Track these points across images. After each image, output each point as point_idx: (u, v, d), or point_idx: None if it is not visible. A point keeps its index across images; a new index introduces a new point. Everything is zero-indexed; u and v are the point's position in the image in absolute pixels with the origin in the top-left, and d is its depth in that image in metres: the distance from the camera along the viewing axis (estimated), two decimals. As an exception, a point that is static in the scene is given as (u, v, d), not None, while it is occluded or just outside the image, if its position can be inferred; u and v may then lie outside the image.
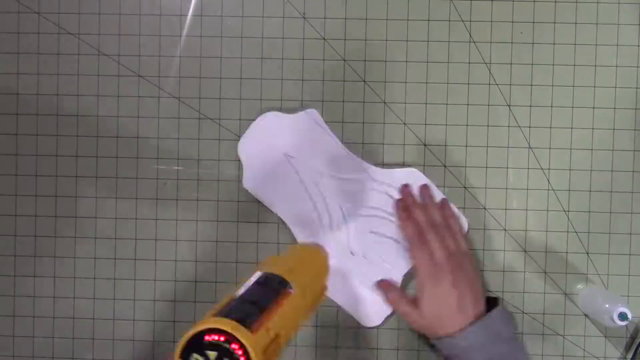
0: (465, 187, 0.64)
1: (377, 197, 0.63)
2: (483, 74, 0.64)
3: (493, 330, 0.55)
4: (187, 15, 0.65)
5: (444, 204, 0.63)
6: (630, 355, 0.64)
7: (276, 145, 0.64)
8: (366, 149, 0.65)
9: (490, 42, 0.64)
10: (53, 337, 0.66)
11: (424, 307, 0.57)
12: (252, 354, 0.39)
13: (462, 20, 0.64)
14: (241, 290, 0.46)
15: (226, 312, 0.42)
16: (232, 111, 0.65)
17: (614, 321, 0.57)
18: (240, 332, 0.39)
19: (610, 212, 0.64)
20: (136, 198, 0.66)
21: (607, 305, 0.58)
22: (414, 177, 0.64)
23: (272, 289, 0.46)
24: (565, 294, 0.64)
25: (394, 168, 0.64)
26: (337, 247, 0.63)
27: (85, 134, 0.66)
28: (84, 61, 0.66)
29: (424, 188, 0.63)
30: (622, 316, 0.56)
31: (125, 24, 0.65)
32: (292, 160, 0.63)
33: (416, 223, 0.60)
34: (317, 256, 0.59)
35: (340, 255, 0.63)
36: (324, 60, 0.65)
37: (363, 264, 0.63)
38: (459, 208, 0.64)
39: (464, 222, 0.63)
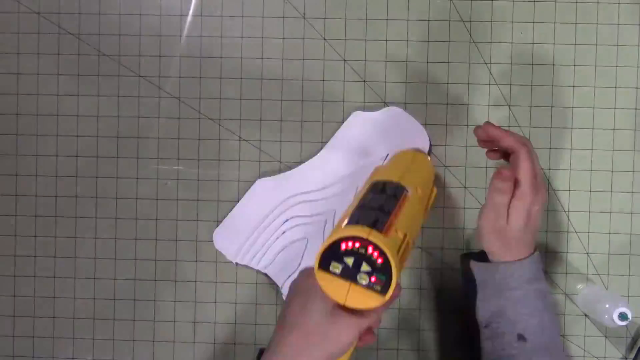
0: (465, 187, 0.64)
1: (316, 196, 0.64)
2: (483, 74, 0.64)
3: (540, 267, 0.55)
4: (187, 15, 0.65)
5: None
6: (632, 356, 0.64)
7: None
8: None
9: (490, 42, 0.64)
10: (53, 337, 0.66)
11: (515, 218, 0.53)
12: (388, 254, 0.41)
13: (462, 20, 0.64)
14: (362, 201, 0.47)
15: (356, 220, 0.44)
16: (232, 111, 0.65)
17: (614, 321, 0.57)
18: (374, 236, 0.41)
19: (610, 212, 0.64)
20: (136, 198, 0.66)
21: (607, 305, 0.58)
22: (395, 114, 0.63)
23: (390, 194, 0.48)
24: (565, 294, 0.64)
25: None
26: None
27: (85, 134, 0.66)
28: (84, 61, 0.66)
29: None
30: (622, 316, 0.56)
31: (125, 24, 0.65)
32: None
33: (514, 136, 0.55)
34: (419, 158, 0.60)
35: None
36: (324, 60, 0.65)
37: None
38: (459, 208, 0.64)
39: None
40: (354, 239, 0.42)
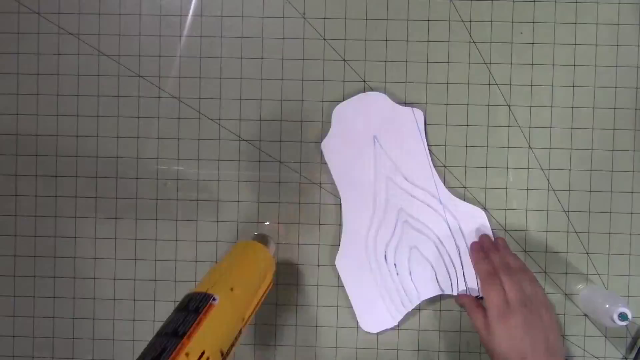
0: (465, 187, 0.64)
1: (434, 218, 0.63)
2: (483, 74, 0.64)
3: None
4: (187, 15, 0.65)
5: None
6: (632, 356, 0.64)
7: (370, 123, 0.63)
8: (366, 149, 0.65)
9: (490, 42, 0.64)
10: (53, 337, 0.66)
11: (495, 340, 0.54)
12: None
13: (462, 20, 0.64)
14: (161, 327, 0.45)
15: (142, 356, 0.42)
16: (232, 111, 0.65)
17: (614, 321, 0.57)
18: None
19: (610, 212, 0.64)
20: (136, 198, 0.66)
21: (607, 306, 0.58)
22: (477, 217, 0.63)
23: (192, 308, 0.45)
24: (565, 294, 0.64)
25: (462, 200, 0.64)
26: (374, 246, 0.63)
27: (85, 134, 0.66)
28: (84, 61, 0.66)
29: (501, 239, 0.63)
30: (622, 316, 0.56)
31: (125, 24, 0.65)
32: (376, 145, 0.63)
33: (491, 263, 0.59)
34: (256, 253, 0.57)
35: (373, 255, 0.63)
36: (324, 60, 0.65)
37: (391, 272, 0.63)
38: (459, 208, 0.64)
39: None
40: None
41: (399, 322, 0.64)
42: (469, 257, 0.62)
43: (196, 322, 0.44)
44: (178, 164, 0.65)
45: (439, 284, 0.63)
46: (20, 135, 0.66)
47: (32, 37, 0.66)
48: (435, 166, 0.64)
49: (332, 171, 0.64)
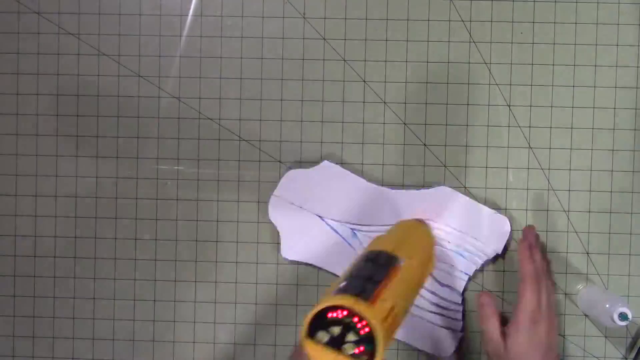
0: (465, 187, 0.64)
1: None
2: (483, 74, 0.64)
3: None
4: (187, 15, 0.65)
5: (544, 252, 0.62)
6: (632, 356, 0.64)
7: (307, 207, 0.63)
8: (365, 148, 0.65)
9: (490, 42, 0.64)
10: (53, 337, 0.66)
11: (511, 345, 0.55)
12: (373, 324, 0.41)
13: (462, 20, 0.64)
14: (352, 270, 0.48)
15: (344, 289, 0.44)
16: (232, 111, 0.65)
17: (614, 321, 0.57)
18: (359, 306, 0.42)
19: (610, 212, 0.64)
20: (136, 198, 0.66)
21: (607, 306, 0.58)
22: (446, 194, 0.63)
23: (382, 263, 0.48)
24: (565, 294, 0.64)
25: (420, 189, 0.64)
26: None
27: (85, 134, 0.66)
28: (84, 61, 0.66)
29: (539, 237, 0.62)
30: (623, 316, 0.56)
31: (125, 24, 0.65)
32: (325, 220, 0.63)
33: (536, 264, 0.58)
34: (419, 228, 0.60)
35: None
36: (324, 60, 0.65)
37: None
38: (459, 208, 0.64)
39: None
40: (340, 308, 0.42)
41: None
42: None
43: (388, 275, 0.47)
44: (178, 164, 0.65)
45: None
46: (20, 135, 0.66)
47: (32, 37, 0.66)
48: (428, 165, 0.64)
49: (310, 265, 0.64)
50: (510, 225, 0.63)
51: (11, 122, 0.66)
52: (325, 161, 0.64)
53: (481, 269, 0.63)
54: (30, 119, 0.66)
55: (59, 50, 0.66)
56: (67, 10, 0.66)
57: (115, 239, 0.66)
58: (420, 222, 0.61)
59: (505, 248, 0.63)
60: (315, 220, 0.63)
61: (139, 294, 0.66)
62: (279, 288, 0.65)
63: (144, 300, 0.66)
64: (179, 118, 0.65)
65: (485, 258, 0.62)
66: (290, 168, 0.64)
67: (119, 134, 0.66)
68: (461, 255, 0.62)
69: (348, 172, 0.63)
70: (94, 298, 0.66)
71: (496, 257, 0.63)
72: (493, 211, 0.63)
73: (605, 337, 0.64)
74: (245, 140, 0.65)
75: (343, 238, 0.63)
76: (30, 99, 0.66)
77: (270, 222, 0.64)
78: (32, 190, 0.66)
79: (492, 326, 0.56)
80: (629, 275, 0.64)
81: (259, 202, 0.65)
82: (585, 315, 0.64)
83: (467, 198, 0.63)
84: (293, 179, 0.63)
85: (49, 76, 0.66)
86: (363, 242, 0.62)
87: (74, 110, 0.66)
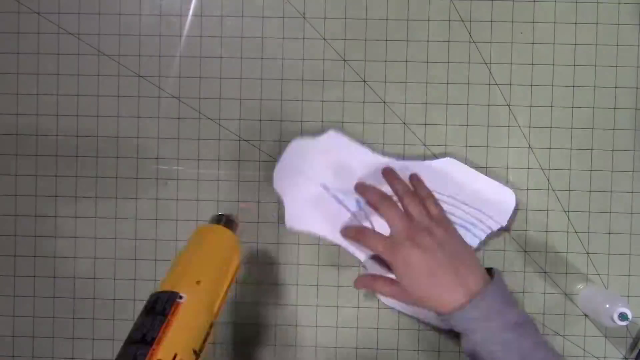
0: (465, 187, 0.64)
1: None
2: (483, 74, 0.64)
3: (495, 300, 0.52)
4: (187, 15, 0.65)
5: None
6: (633, 356, 0.64)
7: (311, 177, 0.63)
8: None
9: (490, 42, 0.64)
10: (53, 337, 0.66)
11: (405, 280, 0.54)
12: None
13: (462, 20, 0.64)
14: (129, 334, 0.44)
15: None
16: (232, 111, 0.65)
17: (614, 321, 0.57)
18: None
19: (610, 212, 0.64)
20: (136, 198, 0.66)
21: (607, 305, 0.58)
22: (452, 166, 0.63)
23: (159, 310, 0.44)
24: (565, 294, 0.64)
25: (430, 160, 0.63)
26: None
27: (85, 134, 0.66)
28: (84, 61, 0.66)
29: (415, 178, 0.61)
30: (623, 316, 0.56)
31: (125, 24, 0.65)
32: (330, 191, 0.63)
33: (374, 190, 0.58)
34: (219, 237, 0.53)
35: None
36: (324, 60, 0.65)
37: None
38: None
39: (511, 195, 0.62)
40: None
41: (399, 320, 0.64)
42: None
43: (164, 325, 0.42)
44: (178, 164, 0.65)
45: None
46: (20, 135, 0.66)
47: (32, 37, 0.66)
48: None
49: (313, 234, 0.64)
50: (516, 198, 0.63)
51: (11, 122, 0.66)
52: (331, 130, 0.63)
53: (485, 242, 0.63)
54: (30, 119, 0.66)
55: (59, 50, 0.66)
56: (67, 10, 0.66)
57: (115, 239, 0.66)
58: (210, 228, 0.54)
59: (510, 222, 0.63)
60: (319, 191, 0.63)
61: (139, 294, 0.66)
62: (279, 288, 0.65)
63: (144, 300, 0.65)
64: (179, 118, 0.65)
65: (489, 231, 0.62)
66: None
67: (119, 134, 0.66)
68: (465, 228, 0.62)
69: (353, 143, 0.63)
70: (94, 298, 0.66)
71: (500, 230, 0.63)
72: (498, 183, 0.63)
73: (605, 337, 0.64)
74: (245, 140, 0.65)
75: (347, 209, 0.62)
76: (30, 98, 0.66)
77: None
78: (31, 191, 0.66)
79: (380, 284, 0.57)
80: (629, 275, 0.64)
81: (259, 202, 0.65)
82: (585, 315, 0.64)
83: (473, 170, 0.63)
84: (298, 148, 0.63)
85: (49, 76, 0.66)
86: (367, 214, 0.62)
87: (74, 110, 0.66)
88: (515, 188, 0.64)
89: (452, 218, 0.61)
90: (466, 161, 0.64)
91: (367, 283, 0.59)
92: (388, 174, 0.60)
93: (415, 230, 0.54)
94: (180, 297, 0.44)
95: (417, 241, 0.53)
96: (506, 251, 0.64)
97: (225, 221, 0.55)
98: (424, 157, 0.64)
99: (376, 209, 0.58)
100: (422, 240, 0.53)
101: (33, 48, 0.66)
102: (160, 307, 0.44)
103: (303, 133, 0.64)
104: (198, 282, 0.46)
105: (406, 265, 0.53)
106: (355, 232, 0.59)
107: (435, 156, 0.64)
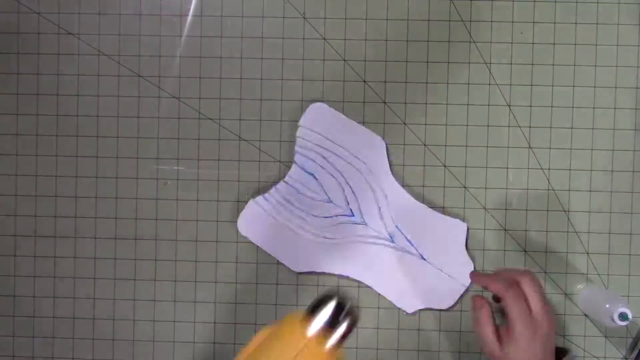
0: (465, 187, 0.64)
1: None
2: (483, 74, 0.64)
3: None
4: (187, 15, 0.65)
5: None
6: (633, 356, 0.64)
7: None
8: (366, 149, 0.65)
9: (490, 42, 0.64)
10: (53, 337, 0.66)
11: (508, 351, 0.52)
12: None
13: (462, 20, 0.64)
14: None
15: None
16: (232, 111, 0.65)
17: (614, 321, 0.57)
18: None
19: (610, 212, 0.64)
20: (136, 198, 0.66)
21: (607, 305, 0.58)
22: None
23: None
24: (566, 294, 0.64)
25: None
26: (375, 240, 0.63)
27: (85, 134, 0.66)
28: (84, 61, 0.66)
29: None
30: (623, 316, 0.56)
31: (125, 24, 0.65)
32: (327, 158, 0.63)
33: (499, 281, 0.54)
34: (292, 337, 0.38)
35: (381, 249, 0.63)
36: (324, 60, 0.65)
37: (407, 245, 0.63)
38: (459, 208, 0.64)
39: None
40: None
41: (400, 319, 0.64)
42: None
43: None
44: (178, 164, 0.65)
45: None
46: (20, 135, 0.66)
47: (32, 37, 0.66)
48: (428, 165, 0.64)
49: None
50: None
51: (11, 122, 0.66)
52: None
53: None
54: (30, 119, 0.66)
55: (59, 50, 0.66)
56: (67, 10, 0.66)
57: (115, 239, 0.66)
58: (292, 321, 0.39)
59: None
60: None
61: (139, 294, 0.66)
62: (279, 288, 0.65)
63: (144, 300, 0.66)
64: (179, 118, 0.65)
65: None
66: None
67: (119, 134, 0.66)
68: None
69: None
70: (94, 298, 0.66)
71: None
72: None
73: (605, 337, 0.64)
74: (246, 140, 0.65)
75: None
76: (30, 98, 0.66)
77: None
78: (32, 191, 0.66)
79: (488, 330, 0.54)
80: (629, 275, 0.64)
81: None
82: (585, 315, 0.64)
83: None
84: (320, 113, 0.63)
85: (49, 76, 0.66)
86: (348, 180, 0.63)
87: (74, 110, 0.66)
88: (515, 188, 0.64)
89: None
90: (466, 161, 0.64)
91: (481, 315, 0.55)
92: (484, 279, 0.57)
93: (535, 322, 0.52)
94: None
95: (537, 332, 0.52)
96: (506, 251, 0.64)
97: (334, 318, 0.38)
98: (424, 161, 0.64)
99: (502, 294, 0.54)
100: (541, 332, 0.52)
101: (33, 48, 0.66)
102: None
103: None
104: None
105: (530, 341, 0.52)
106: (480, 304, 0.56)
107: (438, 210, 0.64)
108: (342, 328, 0.37)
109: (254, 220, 0.63)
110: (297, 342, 0.36)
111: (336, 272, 0.64)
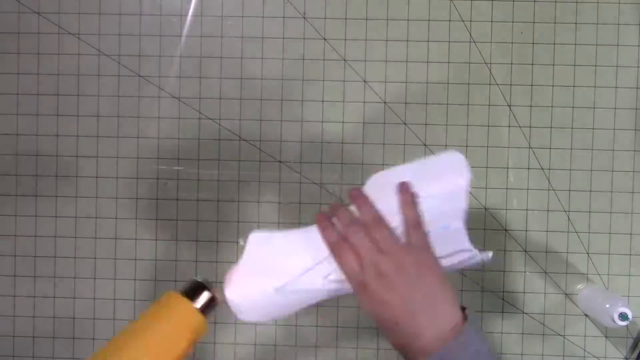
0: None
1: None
2: (483, 74, 0.64)
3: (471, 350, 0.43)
4: (187, 15, 0.65)
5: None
6: (634, 356, 0.64)
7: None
8: (366, 148, 0.65)
9: (491, 42, 0.64)
10: (53, 337, 0.66)
11: (365, 307, 0.44)
12: None
13: (462, 20, 0.64)
14: None
15: None
16: (232, 111, 0.65)
17: (614, 321, 0.57)
18: None
19: (611, 212, 0.64)
20: (136, 198, 0.66)
21: (607, 305, 0.58)
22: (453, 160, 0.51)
23: None
24: (566, 294, 0.64)
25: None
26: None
27: (85, 134, 0.66)
28: (84, 61, 0.66)
29: (349, 194, 0.48)
30: (623, 316, 0.56)
31: (125, 24, 0.65)
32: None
33: (336, 229, 0.46)
34: (181, 320, 0.47)
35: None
36: (324, 60, 0.65)
37: None
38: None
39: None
40: None
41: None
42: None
43: None
44: (178, 164, 0.65)
45: None
46: (20, 135, 0.66)
47: (32, 37, 0.66)
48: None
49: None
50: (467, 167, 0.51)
51: (11, 122, 0.66)
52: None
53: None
54: (31, 119, 0.66)
55: (59, 50, 0.66)
56: (67, 10, 0.66)
57: (116, 239, 0.66)
58: (172, 299, 0.47)
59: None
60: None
61: (139, 294, 0.66)
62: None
63: (143, 300, 0.66)
64: (179, 118, 0.65)
65: (461, 223, 0.51)
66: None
67: (119, 134, 0.66)
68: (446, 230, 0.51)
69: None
70: (94, 298, 0.66)
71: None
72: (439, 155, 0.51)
73: (606, 337, 0.64)
74: (245, 140, 0.65)
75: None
76: (31, 99, 0.66)
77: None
78: (32, 191, 0.66)
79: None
80: (629, 275, 0.64)
81: (259, 202, 0.65)
82: (585, 315, 0.64)
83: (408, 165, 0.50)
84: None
85: (49, 76, 0.66)
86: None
87: (74, 110, 0.66)
88: (515, 188, 0.64)
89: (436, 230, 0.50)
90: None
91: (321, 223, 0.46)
92: (324, 219, 0.48)
93: (366, 275, 0.45)
94: None
95: (369, 290, 0.44)
96: (506, 251, 0.64)
97: (197, 289, 0.47)
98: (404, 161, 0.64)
99: (332, 251, 0.46)
100: (375, 287, 0.44)
101: (33, 48, 0.66)
102: None
103: (302, 162, 0.63)
104: None
105: (372, 314, 0.44)
106: (332, 244, 0.47)
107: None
108: (205, 298, 0.47)
109: None
110: (186, 313, 0.46)
111: None
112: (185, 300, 0.46)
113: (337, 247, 0.46)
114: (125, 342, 0.45)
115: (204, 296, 0.47)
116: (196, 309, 0.47)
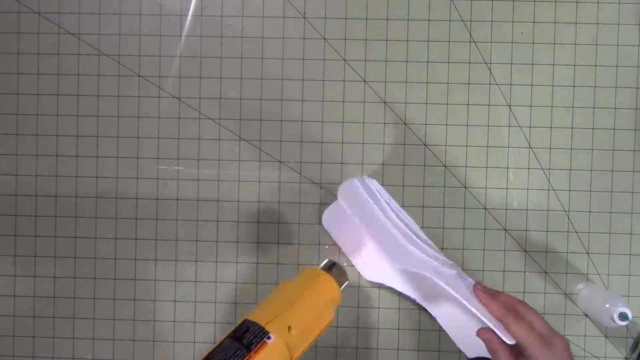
0: (465, 187, 0.64)
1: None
2: (483, 74, 0.64)
3: None
4: (187, 15, 0.65)
5: None
6: (634, 356, 0.64)
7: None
8: (366, 149, 0.65)
9: (491, 42, 0.64)
10: (53, 337, 0.66)
11: None
12: None
13: (462, 20, 0.64)
14: (210, 353, 0.44)
15: None
16: (232, 111, 0.65)
17: (614, 321, 0.57)
18: None
19: (611, 212, 0.64)
20: (136, 198, 0.66)
21: (607, 305, 0.58)
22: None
23: (247, 342, 0.44)
24: (566, 294, 0.64)
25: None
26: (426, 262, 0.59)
27: (85, 134, 0.66)
28: (84, 61, 0.66)
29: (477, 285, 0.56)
30: (623, 316, 0.56)
31: (125, 24, 0.65)
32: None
33: (499, 301, 0.52)
34: (324, 287, 0.54)
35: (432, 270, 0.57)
36: (324, 60, 0.65)
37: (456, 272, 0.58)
38: (459, 208, 0.64)
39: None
40: None
41: (399, 318, 0.64)
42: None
43: (246, 358, 0.43)
44: (178, 164, 0.66)
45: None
46: (20, 134, 0.66)
47: (32, 37, 0.66)
48: (428, 165, 0.64)
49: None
50: None
51: (11, 122, 0.66)
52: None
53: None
54: (31, 119, 0.66)
55: (59, 50, 0.66)
56: (67, 10, 0.66)
57: (116, 239, 0.66)
58: (318, 276, 0.55)
59: None
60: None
61: (139, 294, 0.66)
62: (279, 288, 0.65)
63: (144, 300, 0.66)
64: (179, 118, 0.65)
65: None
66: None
67: (119, 134, 0.66)
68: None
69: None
70: (94, 298, 0.66)
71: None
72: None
73: (606, 337, 0.64)
74: (245, 140, 0.65)
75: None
76: (30, 99, 0.66)
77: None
78: (32, 190, 0.66)
79: (504, 358, 0.51)
80: (629, 275, 0.64)
81: (259, 202, 0.65)
82: (585, 315, 0.64)
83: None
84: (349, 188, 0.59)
85: (49, 76, 0.66)
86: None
87: (74, 110, 0.66)
88: (515, 188, 0.64)
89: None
90: (466, 161, 0.64)
91: (494, 346, 0.52)
92: (484, 296, 0.54)
93: (546, 336, 0.51)
94: (269, 337, 0.45)
95: (554, 345, 0.50)
96: (506, 251, 0.64)
97: (336, 272, 0.56)
98: (424, 161, 0.64)
99: (503, 318, 0.52)
100: (558, 344, 0.50)
101: (33, 48, 0.66)
102: (248, 339, 0.45)
103: (302, 163, 0.64)
104: (290, 328, 0.47)
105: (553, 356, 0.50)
106: (488, 337, 0.53)
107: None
108: (343, 274, 0.57)
109: (338, 219, 0.63)
110: (331, 287, 0.54)
111: (404, 292, 0.62)
112: (328, 276, 0.55)
113: (512, 313, 0.51)
114: (289, 302, 0.50)
115: (338, 272, 0.56)
116: (337, 283, 0.55)
